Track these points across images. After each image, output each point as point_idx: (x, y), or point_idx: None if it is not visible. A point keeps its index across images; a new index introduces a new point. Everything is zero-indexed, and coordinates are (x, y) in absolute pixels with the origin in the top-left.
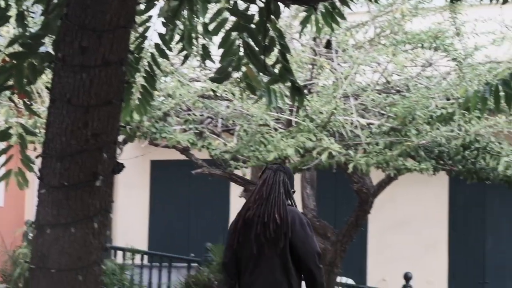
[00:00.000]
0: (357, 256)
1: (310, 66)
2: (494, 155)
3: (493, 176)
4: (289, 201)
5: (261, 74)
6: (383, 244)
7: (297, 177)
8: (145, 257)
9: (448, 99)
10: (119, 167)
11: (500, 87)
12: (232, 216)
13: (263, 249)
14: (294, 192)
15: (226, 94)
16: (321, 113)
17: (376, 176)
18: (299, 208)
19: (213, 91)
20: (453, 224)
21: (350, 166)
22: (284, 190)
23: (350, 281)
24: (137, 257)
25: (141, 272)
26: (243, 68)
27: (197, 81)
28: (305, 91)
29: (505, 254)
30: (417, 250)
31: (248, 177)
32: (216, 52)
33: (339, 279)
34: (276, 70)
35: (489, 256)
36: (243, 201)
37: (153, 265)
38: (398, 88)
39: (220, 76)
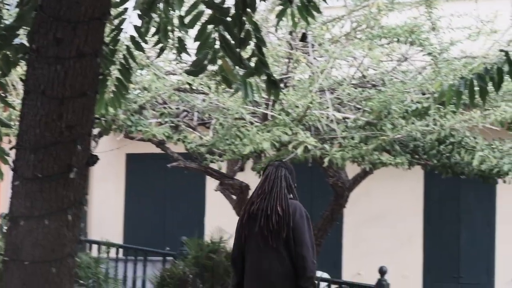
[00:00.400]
0: (333, 250)
1: (286, 60)
2: (469, 149)
3: (467, 170)
4: (291, 195)
5: (237, 67)
6: (358, 238)
7: None
8: (120, 250)
9: (423, 94)
10: (94, 159)
11: (475, 82)
12: (208, 209)
13: (268, 241)
14: (295, 187)
15: (202, 88)
16: (297, 107)
17: (352, 170)
18: None
19: (189, 84)
20: (428, 218)
21: (326, 160)
22: (286, 184)
23: (325, 275)
24: (112, 251)
25: (116, 266)
26: (219, 61)
27: (173, 74)
28: (281, 85)
29: (479, 248)
30: (393, 244)
31: (223, 170)
32: (192, 45)
33: None
34: (252, 64)
35: (464, 250)
36: (219, 194)
37: (128, 258)
38: (373, 83)
39: (196, 69)
